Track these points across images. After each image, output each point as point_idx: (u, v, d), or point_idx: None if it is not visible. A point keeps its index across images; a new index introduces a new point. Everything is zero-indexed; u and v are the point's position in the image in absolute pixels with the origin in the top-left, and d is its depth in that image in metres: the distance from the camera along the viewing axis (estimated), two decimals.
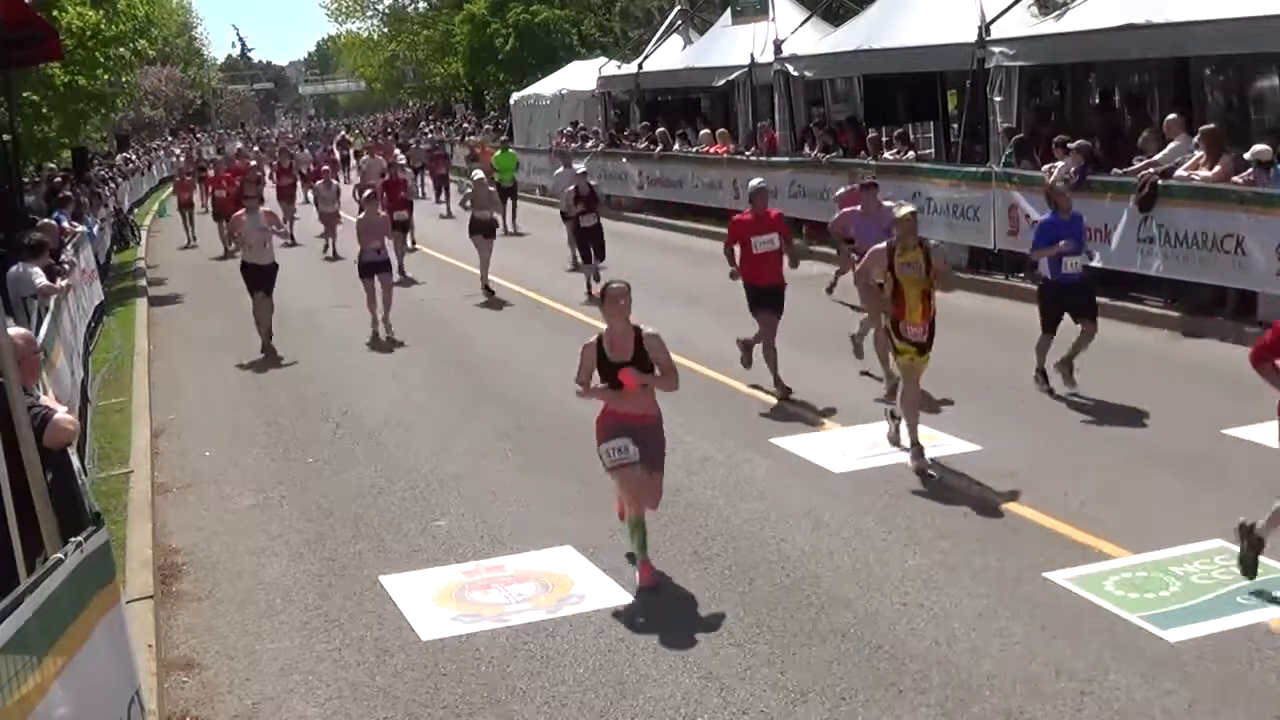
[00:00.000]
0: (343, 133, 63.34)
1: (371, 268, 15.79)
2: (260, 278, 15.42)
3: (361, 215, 16.43)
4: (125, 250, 28.56)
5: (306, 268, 22.66)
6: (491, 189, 19.55)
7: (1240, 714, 5.70)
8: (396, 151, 34.12)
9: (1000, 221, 16.11)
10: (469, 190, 19.35)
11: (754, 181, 12.36)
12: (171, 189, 37.95)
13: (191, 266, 23.62)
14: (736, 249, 11.82)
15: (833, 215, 14.41)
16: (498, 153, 30.01)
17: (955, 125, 19.31)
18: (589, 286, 17.09)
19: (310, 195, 30.82)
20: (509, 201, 25.74)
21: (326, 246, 24.24)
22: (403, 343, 15.24)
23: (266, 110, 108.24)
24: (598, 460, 10.09)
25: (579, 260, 18.55)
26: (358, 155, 40.86)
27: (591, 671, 6.49)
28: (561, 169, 22.55)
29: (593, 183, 18.62)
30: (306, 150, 43.15)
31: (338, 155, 46.63)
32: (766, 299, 11.86)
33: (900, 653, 6.47)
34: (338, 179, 30.81)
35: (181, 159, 45.75)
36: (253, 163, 35.85)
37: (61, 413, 5.83)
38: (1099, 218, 14.49)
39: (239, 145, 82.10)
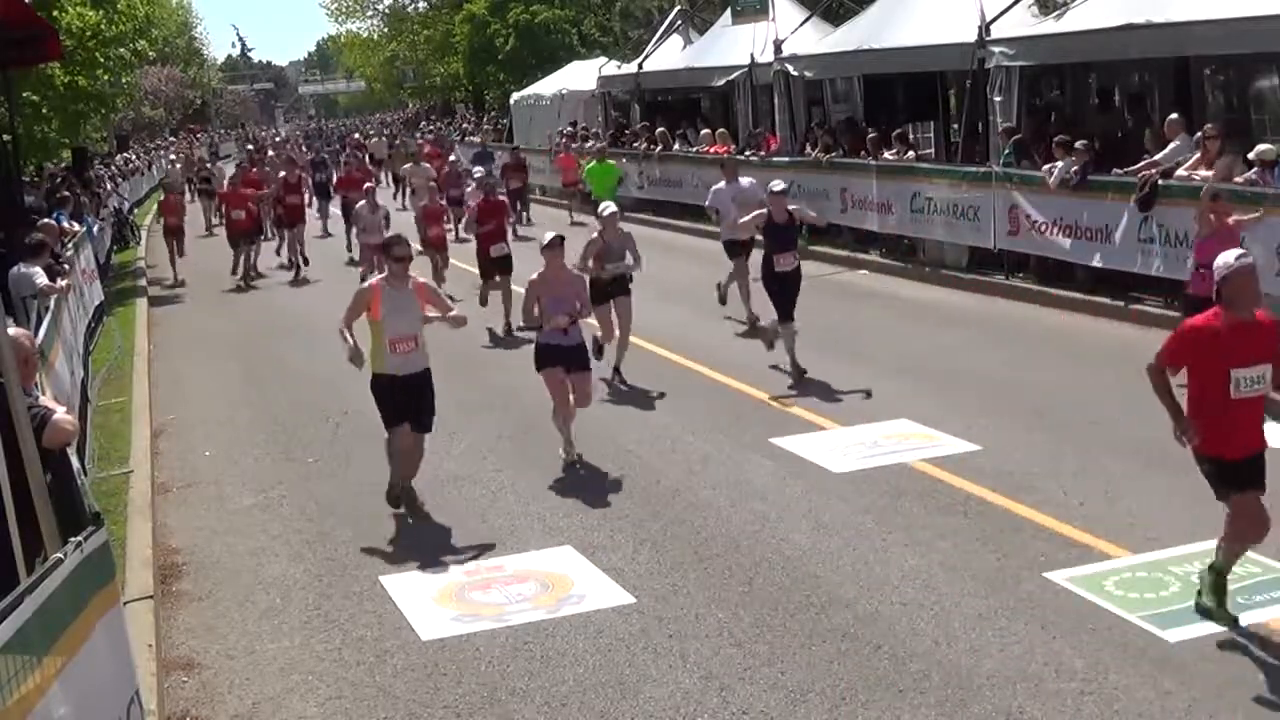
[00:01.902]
0: (356, 134, 58.09)
1: (566, 357, 10.00)
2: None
3: (541, 273, 10.05)
4: (125, 250, 28.55)
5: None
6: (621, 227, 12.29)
7: (1240, 714, 5.70)
8: (456, 158, 28.25)
9: (1000, 221, 16.11)
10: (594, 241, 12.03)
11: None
12: (157, 207, 30.20)
13: (192, 267, 23.57)
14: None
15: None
16: (592, 163, 24.48)
17: (955, 125, 19.31)
18: (794, 367, 12.17)
19: (323, 214, 27.63)
20: None
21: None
22: None
23: (266, 110, 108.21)
24: (597, 460, 10.15)
25: (755, 317, 14.07)
26: (376, 162, 37.47)
27: (591, 671, 6.50)
28: (722, 184, 15.20)
29: (793, 206, 12.56)
30: (320, 155, 36.65)
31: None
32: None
33: (900, 653, 6.47)
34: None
35: (178, 165, 40.94)
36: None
37: (61, 413, 5.83)
38: (1099, 218, 14.50)
39: (279, 134, 77.82)
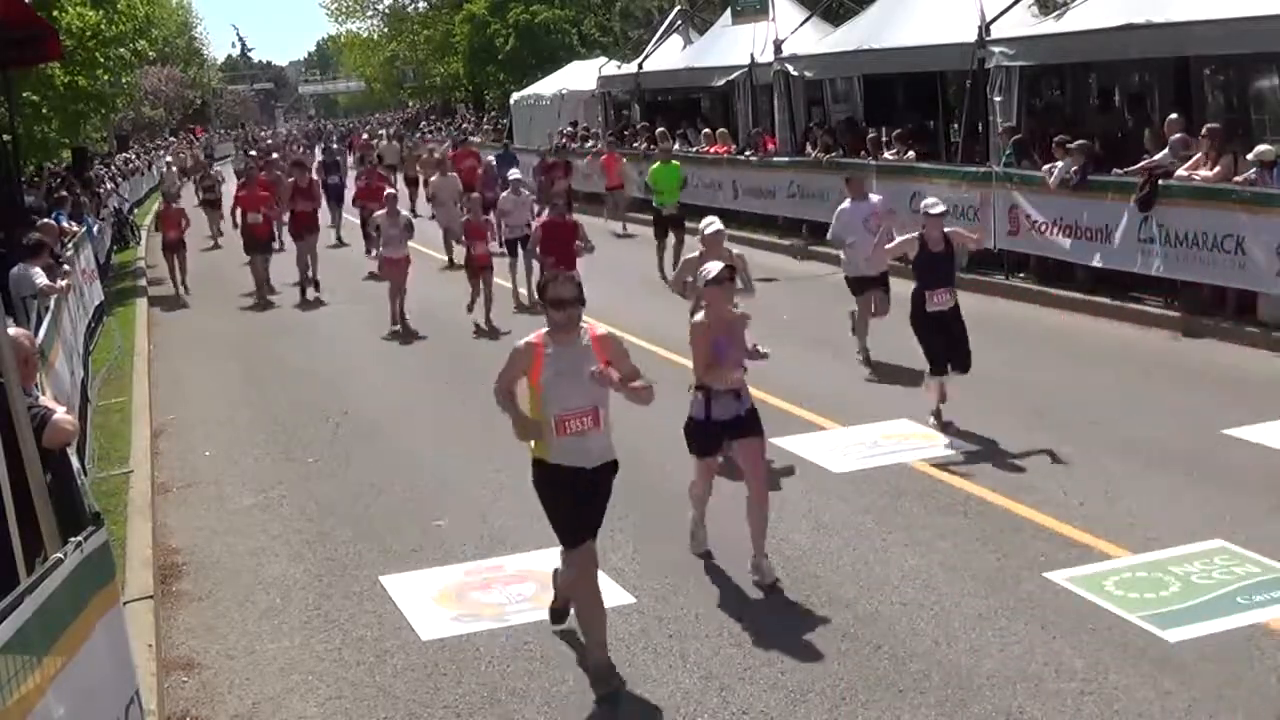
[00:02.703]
0: (364, 134, 55.10)
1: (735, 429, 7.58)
2: None
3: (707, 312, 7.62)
4: (125, 250, 28.54)
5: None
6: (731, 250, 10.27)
7: (1240, 714, 5.70)
8: (491, 160, 25.32)
9: (1000, 221, 16.10)
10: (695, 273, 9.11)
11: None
12: (154, 218, 26.56)
13: (192, 266, 23.58)
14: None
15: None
16: (656, 165, 20.10)
17: (955, 125, 19.31)
18: (937, 418, 10.33)
19: (336, 222, 25.42)
20: (673, 237, 18.92)
21: (395, 317, 16.10)
22: (409, 340, 15.27)
23: (266, 110, 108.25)
24: None
25: (868, 352, 12.61)
26: (388, 167, 32.35)
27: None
28: (848, 204, 12.64)
29: (949, 229, 10.40)
30: (333, 156, 33.62)
31: (355, 164, 37.59)
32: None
33: (900, 653, 6.47)
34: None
35: (174, 168, 38.98)
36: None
37: (61, 413, 5.83)
38: (1099, 218, 14.51)
39: (282, 133, 75.67)
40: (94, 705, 4.20)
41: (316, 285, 19.46)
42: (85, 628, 4.17)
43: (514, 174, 18.76)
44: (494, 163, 24.73)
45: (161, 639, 7.11)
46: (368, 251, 20.86)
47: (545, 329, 6.36)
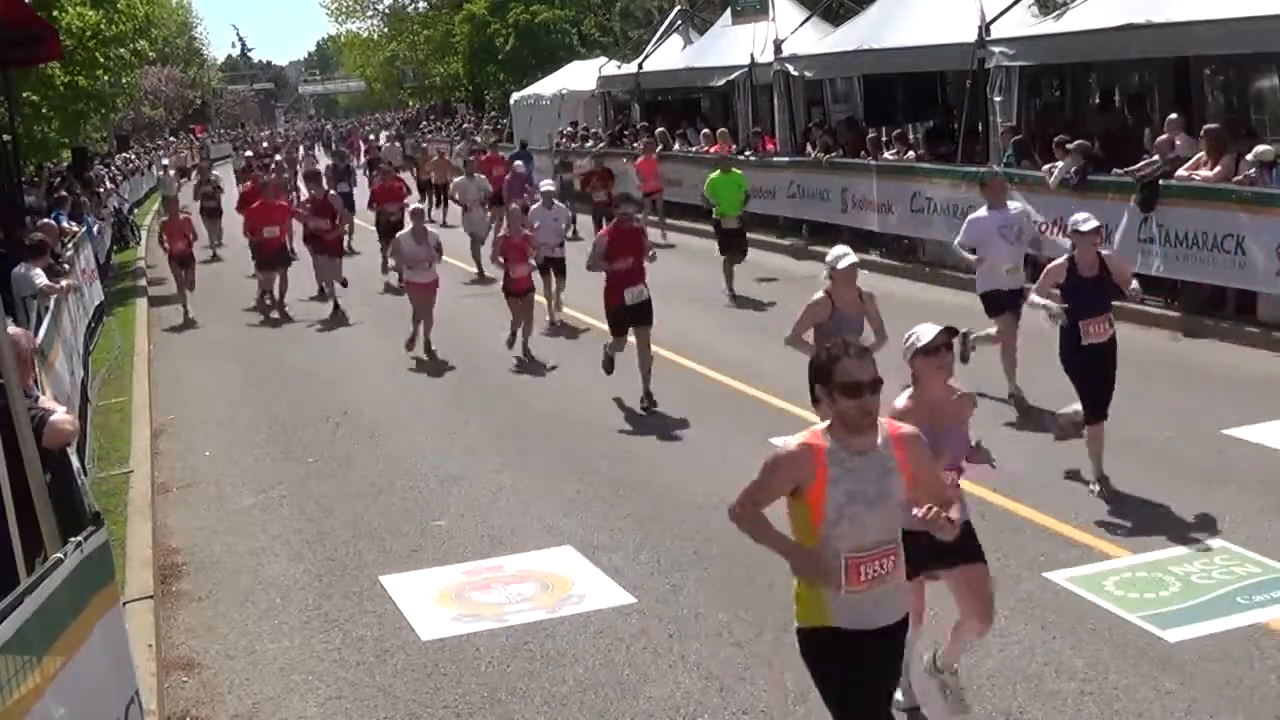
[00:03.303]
0: (372, 135, 53.57)
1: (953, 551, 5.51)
2: None
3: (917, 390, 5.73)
4: (125, 250, 28.53)
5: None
6: None
7: (1240, 714, 5.70)
8: (520, 165, 23.15)
9: None
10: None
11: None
12: (158, 229, 23.01)
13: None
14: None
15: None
16: (714, 173, 17.86)
17: (955, 125, 19.30)
18: (1099, 478, 8.77)
19: (348, 229, 21.37)
20: (736, 251, 17.36)
21: (416, 342, 14.35)
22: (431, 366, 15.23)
23: (266, 110, 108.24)
24: (597, 460, 10.11)
25: (1020, 393, 10.88)
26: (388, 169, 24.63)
27: (591, 671, 6.49)
28: (983, 212, 11.12)
29: (1106, 251, 9.22)
30: (344, 160, 30.56)
31: (364, 169, 35.00)
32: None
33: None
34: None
35: (172, 171, 36.58)
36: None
37: (60, 413, 5.83)
38: (1099, 218, 14.43)
39: (281, 134, 74.12)
40: (94, 705, 4.20)
41: (336, 305, 17.41)
42: (85, 628, 4.17)
43: (547, 185, 16.93)
44: (523, 167, 22.62)
45: (161, 639, 7.11)
46: (385, 269, 19.77)
47: (822, 426, 4.72)
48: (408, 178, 27.46)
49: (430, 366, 14.01)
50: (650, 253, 11.79)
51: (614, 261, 11.35)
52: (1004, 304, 10.89)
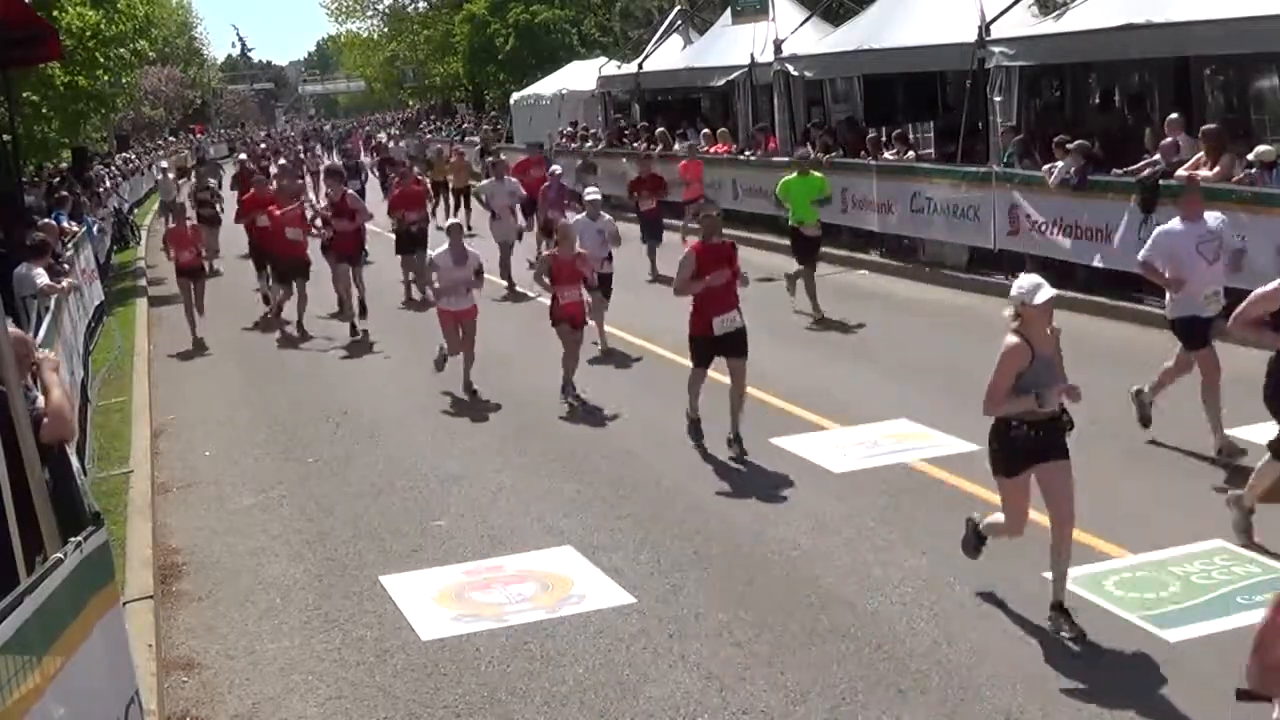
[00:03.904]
0: (382, 135, 51.38)
1: None
2: None
3: None
4: (125, 250, 28.54)
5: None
6: None
7: (1240, 714, 5.69)
8: (557, 170, 19.80)
9: (1000, 221, 16.11)
10: None
11: None
12: (162, 239, 19.79)
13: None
14: None
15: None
16: (790, 175, 16.21)
17: (940, 123, 19.32)
18: None
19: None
20: (814, 263, 15.81)
21: (444, 361, 12.66)
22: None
23: (266, 110, 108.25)
24: (597, 460, 10.13)
25: (1228, 443, 9.24)
26: (408, 171, 21.67)
27: (591, 671, 6.49)
28: (1176, 224, 9.73)
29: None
30: (353, 160, 29.66)
31: (374, 169, 32.41)
32: None
33: (900, 653, 6.47)
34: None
35: (171, 174, 33.58)
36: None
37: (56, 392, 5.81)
38: (1099, 218, 14.50)
39: (280, 130, 72.65)
40: (94, 705, 4.20)
41: (363, 310, 16.19)
42: (85, 628, 4.17)
43: (593, 193, 14.83)
44: (560, 173, 19.72)
45: (161, 639, 7.11)
46: (409, 293, 18.16)
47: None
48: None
49: (430, 367, 13.97)
50: (744, 275, 10.21)
51: (702, 283, 9.84)
52: (1203, 334, 9.44)
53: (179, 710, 6.41)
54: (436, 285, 12.28)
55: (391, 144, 40.84)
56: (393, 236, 18.63)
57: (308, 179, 32.10)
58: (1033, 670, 6.19)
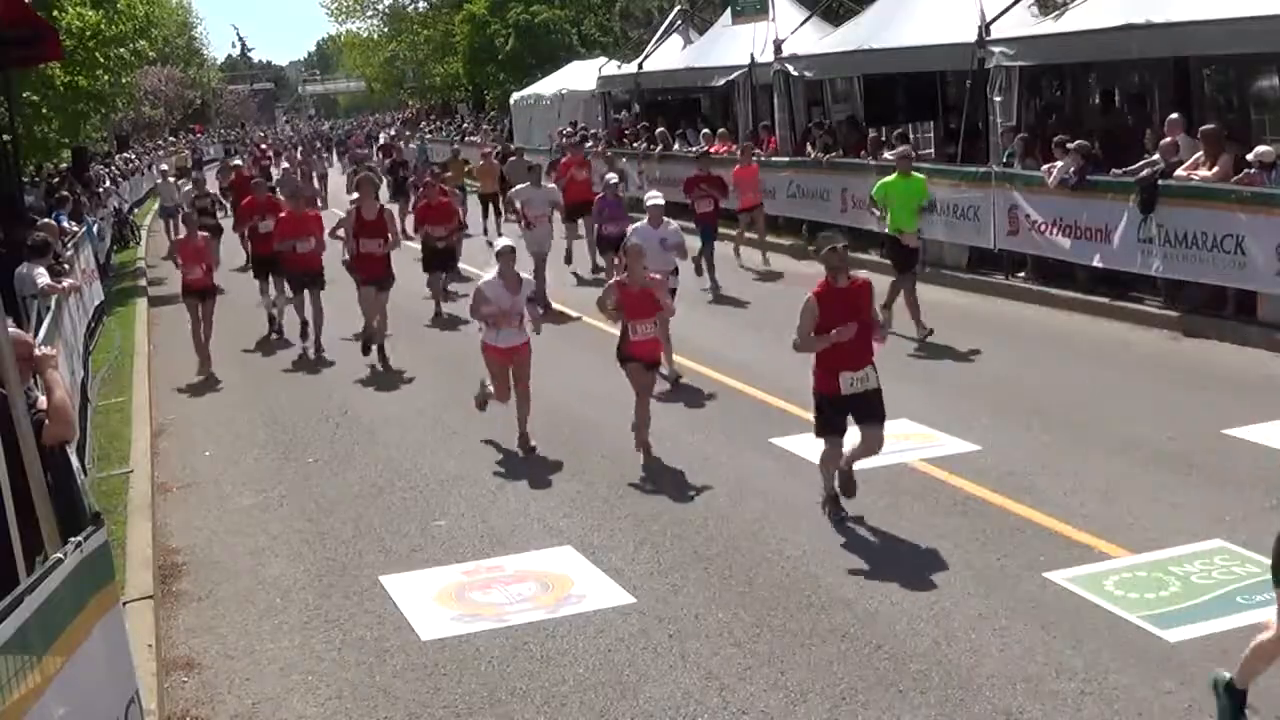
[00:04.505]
0: (390, 133, 49.35)
1: None
2: None
3: None
4: (125, 250, 28.53)
5: None
6: None
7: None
8: (611, 177, 17.16)
9: (1000, 221, 16.11)
10: None
11: None
12: (169, 250, 16.39)
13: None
14: None
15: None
16: (890, 177, 14.38)
17: (953, 124, 19.30)
18: None
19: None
20: (912, 274, 14.21)
21: (486, 401, 10.95)
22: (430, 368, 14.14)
23: (266, 110, 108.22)
24: (597, 460, 10.10)
25: None
26: (433, 181, 18.63)
27: (591, 671, 6.50)
28: None
29: None
30: (364, 164, 27.30)
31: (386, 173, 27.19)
32: None
33: (900, 653, 6.47)
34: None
35: (172, 178, 30.05)
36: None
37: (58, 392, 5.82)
38: (1099, 218, 14.50)
39: (276, 130, 70.93)
40: (94, 705, 4.20)
41: (381, 350, 14.00)
42: (85, 628, 4.17)
43: (654, 197, 13.08)
44: (615, 181, 16.92)
45: (161, 639, 7.11)
46: (439, 307, 16.61)
47: None
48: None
49: (431, 367, 13.99)
50: (882, 324, 8.62)
51: (827, 341, 8.05)
52: None
53: (179, 710, 6.40)
54: (485, 316, 10.38)
55: (403, 144, 37.43)
56: (417, 248, 17.31)
57: (316, 183, 31.10)
58: (1033, 670, 6.19)
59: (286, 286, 15.80)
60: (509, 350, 10.42)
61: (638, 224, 13.07)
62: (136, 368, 14.48)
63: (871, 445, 8.40)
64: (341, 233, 14.24)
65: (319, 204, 19.67)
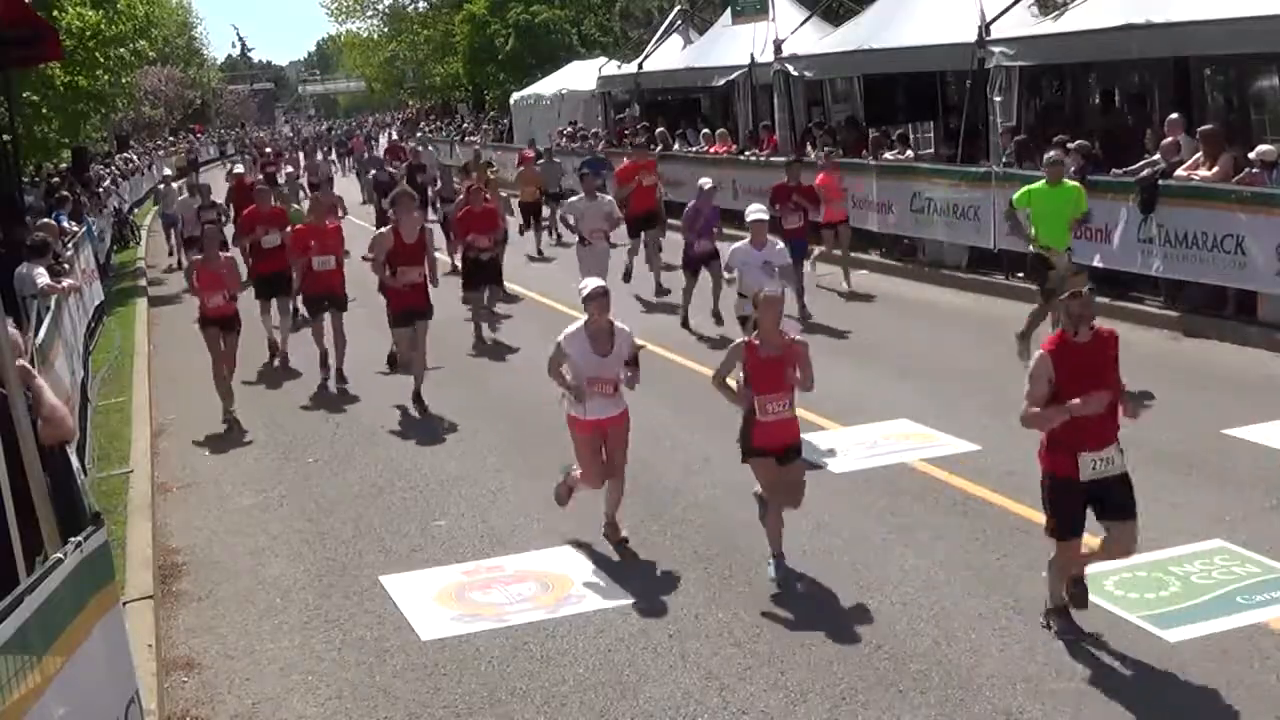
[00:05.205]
0: (404, 137, 47.64)
1: None
2: None
3: None
4: (125, 250, 28.52)
5: None
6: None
7: (1240, 714, 5.70)
8: (706, 182, 15.17)
9: (1000, 221, 16.09)
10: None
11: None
12: (186, 272, 14.17)
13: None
14: None
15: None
16: (1037, 184, 11.91)
17: (953, 125, 19.31)
18: None
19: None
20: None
21: (569, 494, 8.61)
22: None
23: (266, 110, 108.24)
24: None
25: None
26: (473, 189, 15.87)
27: (591, 671, 6.50)
28: None
29: None
30: (384, 169, 25.69)
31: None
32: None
33: (900, 653, 6.47)
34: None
35: (174, 183, 27.39)
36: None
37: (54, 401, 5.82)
38: (1099, 218, 14.49)
39: (273, 131, 70.97)
40: (94, 705, 4.20)
41: (418, 396, 11.96)
42: (85, 628, 4.17)
43: (757, 211, 11.20)
44: (711, 186, 14.93)
45: (161, 639, 7.11)
46: (479, 331, 14.63)
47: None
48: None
49: (433, 366, 13.96)
50: (1136, 400, 6.84)
51: (1065, 413, 6.27)
52: None
53: (179, 710, 6.41)
54: (567, 384, 7.95)
55: (420, 147, 31.78)
56: (457, 264, 15.71)
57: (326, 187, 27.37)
58: (1033, 670, 6.18)
59: (295, 308, 14.34)
60: (601, 424, 7.98)
61: (737, 244, 11.09)
62: (136, 368, 14.47)
63: (1124, 544, 6.48)
64: (372, 254, 11.93)
65: (340, 213, 16.57)
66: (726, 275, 11.40)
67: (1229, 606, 6.69)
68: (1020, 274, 16.10)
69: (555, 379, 8.10)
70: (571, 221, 15.38)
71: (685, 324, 14.50)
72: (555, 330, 8.27)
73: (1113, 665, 6.18)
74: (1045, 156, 12.92)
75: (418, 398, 11.92)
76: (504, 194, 18.90)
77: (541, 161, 24.59)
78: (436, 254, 13.12)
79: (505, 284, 16.52)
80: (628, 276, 16.66)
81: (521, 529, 8.65)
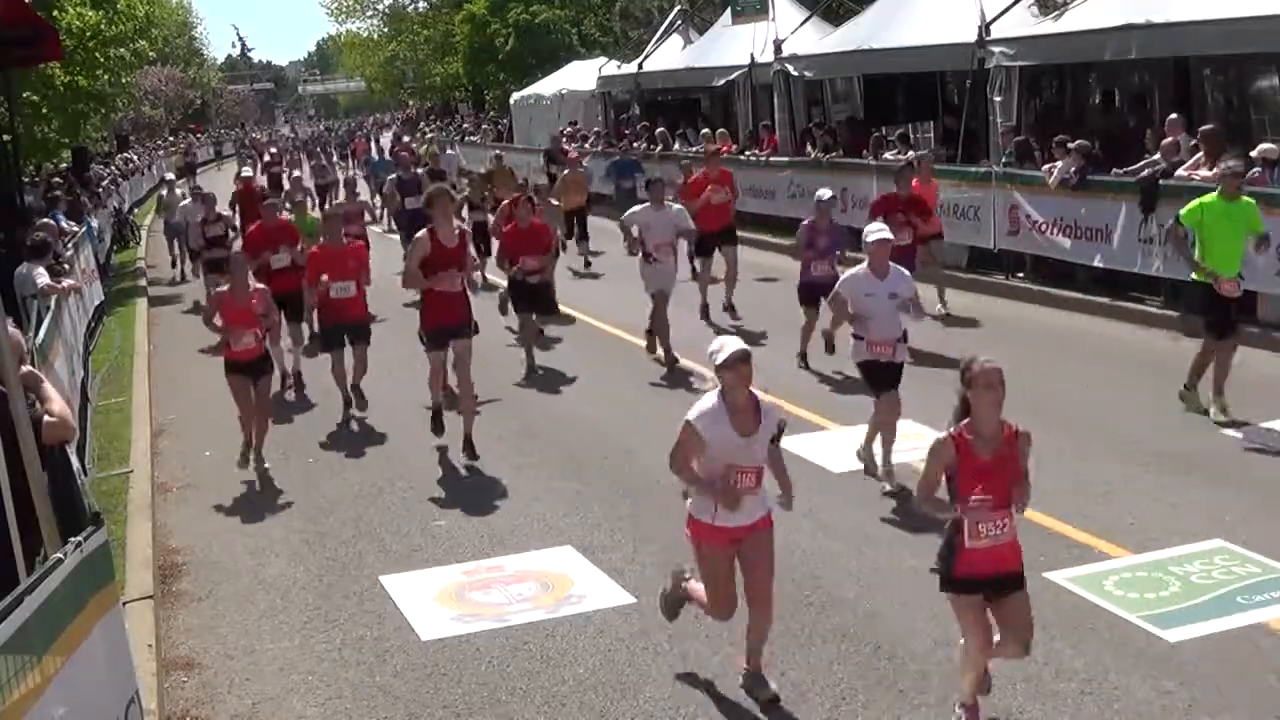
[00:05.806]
0: (403, 135, 46.12)
1: None
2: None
3: None
4: (125, 250, 28.52)
5: None
6: None
7: (1240, 714, 5.70)
8: (824, 193, 13.16)
9: (1000, 221, 16.11)
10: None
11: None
12: (208, 303, 12.28)
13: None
14: None
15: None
16: (1209, 196, 10.44)
17: (953, 125, 19.31)
18: None
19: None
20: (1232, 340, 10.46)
21: (678, 606, 6.67)
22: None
23: (266, 110, 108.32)
24: (597, 460, 10.07)
25: None
26: (520, 200, 13.94)
27: (591, 671, 6.50)
28: None
29: None
30: (409, 171, 20.71)
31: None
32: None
33: (900, 653, 6.47)
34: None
35: (178, 189, 25.08)
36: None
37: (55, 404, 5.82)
38: (1099, 218, 14.51)
39: (270, 131, 71.03)
40: (94, 705, 4.20)
41: (469, 441, 10.32)
42: (85, 628, 4.17)
43: (879, 231, 9.20)
44: (830, 197, 13.02)
45: (161, 639, 7.11)
46: (531, 360, 13.10)
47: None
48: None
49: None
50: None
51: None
52: None
53: (179, 710, 6.41)
54: (697, 480, 5.98)
55: (439, 150, 29.96)
56: (502, 285, 14.21)
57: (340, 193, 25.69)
58: (1032, 670, 6.18)
59: (307, 331, 12.78)
60: (739, 533, 5.97)
61: (852, 271, 9.16)
62: (136, 368, 14.47)
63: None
64: (411, 265, 10.22)
65: (366, 216, 15.32)
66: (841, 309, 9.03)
67: (1229, 606, 6.69)
68: (1020, 274, 16.13)
69: (685, 476, 6.04)
70: (636, 234, 13.10)
71: (804, 363, 12.44)
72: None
73: (1113, 665, 6.18)
74: (1223, 165, 10.86)
75: (469, 445, 10.27)
76: (553, 202, 17.45)
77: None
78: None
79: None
80: (705, 313, 15.01)
81: (521, 529, 8.65)
